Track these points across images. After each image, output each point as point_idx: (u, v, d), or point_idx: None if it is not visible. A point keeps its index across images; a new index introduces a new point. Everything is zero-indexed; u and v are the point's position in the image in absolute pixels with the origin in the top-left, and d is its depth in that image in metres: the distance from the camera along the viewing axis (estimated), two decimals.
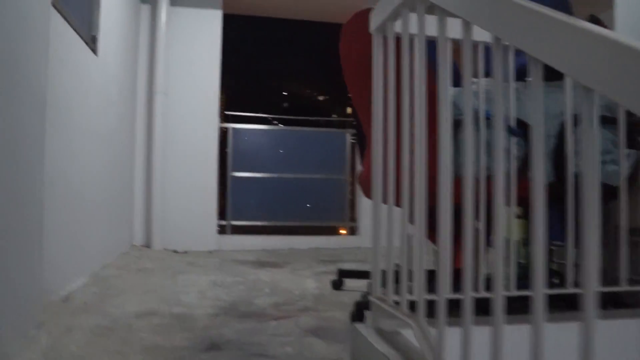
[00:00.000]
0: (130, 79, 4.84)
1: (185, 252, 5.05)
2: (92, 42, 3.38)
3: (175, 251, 5.06)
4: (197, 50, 5.34)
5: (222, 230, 5.57)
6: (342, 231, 6.12)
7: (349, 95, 2.62)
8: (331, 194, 5.80)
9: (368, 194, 2.76)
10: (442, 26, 1.17)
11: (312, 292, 3.09)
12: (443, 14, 1.15)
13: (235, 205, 5.59)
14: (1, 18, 1.73)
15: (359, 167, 3.18)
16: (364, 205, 5.63)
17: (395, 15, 1.46)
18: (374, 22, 1.62)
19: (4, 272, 1.75)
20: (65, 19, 2.68)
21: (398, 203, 1.43)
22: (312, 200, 5.75)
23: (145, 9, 5.27)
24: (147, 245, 5.14)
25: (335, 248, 5.56)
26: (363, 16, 2.13)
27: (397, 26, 1.50)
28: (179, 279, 3.43)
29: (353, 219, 5.84)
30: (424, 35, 1.29)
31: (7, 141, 1.79)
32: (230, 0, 5.55)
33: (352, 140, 5.79)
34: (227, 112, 5.59)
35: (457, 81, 1.68)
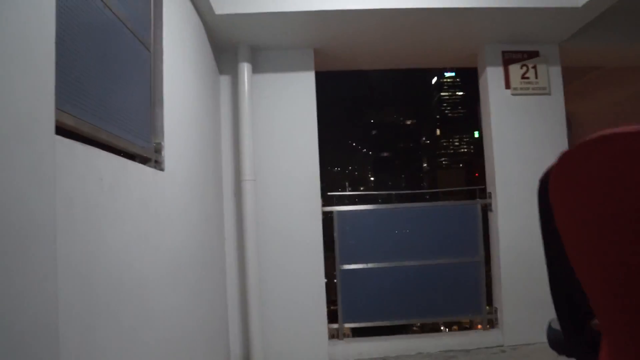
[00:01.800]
0: (214, 172, 4.05)
1: None
2: (156, 153, 2.56)
3: None
4: (288, 122, 4.48)
5: (333, 335, 4.60)
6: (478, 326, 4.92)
7: (569, 252, 1.57)
8: (462, 281, 4.65)
9: None
10: None
11: None
12: None
13: (347, 305, 4.56)
14: None
15: None
16: (507, 289, 4.48)
17: None
18: None
19: None
20: (100, 142, 1.85)
21: None
22: (440, 291, 4.63)
23: (225, 80, 4.49)
24: None
25: (472, 349, 4.43)
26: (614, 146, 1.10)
27: None
28: None
29: (490, 309, 4.66)
30: None
31: None
32: (321, 59, 4.69)
33: (485, 209, 4.69)
34: (329, 194, 4.62)
35: None
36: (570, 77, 4.67)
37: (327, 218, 4.54)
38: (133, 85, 2.31)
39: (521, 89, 4.56)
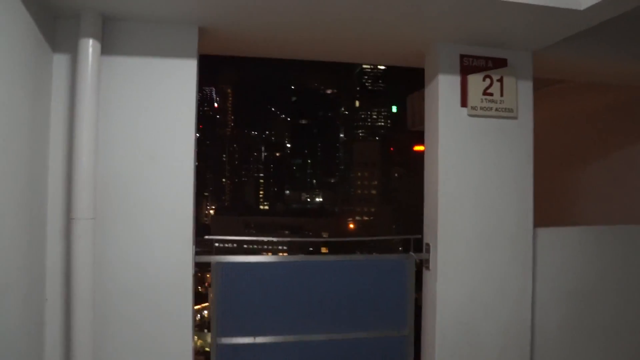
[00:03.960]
0: (27, 213, 2.56)
1: None
2: None
3: None
4: (154, 131, 3.03)
5: None
6: None
7: None
8: None
9: None
10: None
11: None
12: None
13: None
14: None
15: None
16: None
17: None
18: None
19: None
20: None
21: None
22: None
23: (62, 62, 2.96)
24: None
25: None
26: None
27: None
28: None
29: None
30: None
31: None
32: (209, 41, 3.29)
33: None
34: (207, 237, 3.24)
35: None
36: None
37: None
38: None
39: (482, 108, 3.36)
